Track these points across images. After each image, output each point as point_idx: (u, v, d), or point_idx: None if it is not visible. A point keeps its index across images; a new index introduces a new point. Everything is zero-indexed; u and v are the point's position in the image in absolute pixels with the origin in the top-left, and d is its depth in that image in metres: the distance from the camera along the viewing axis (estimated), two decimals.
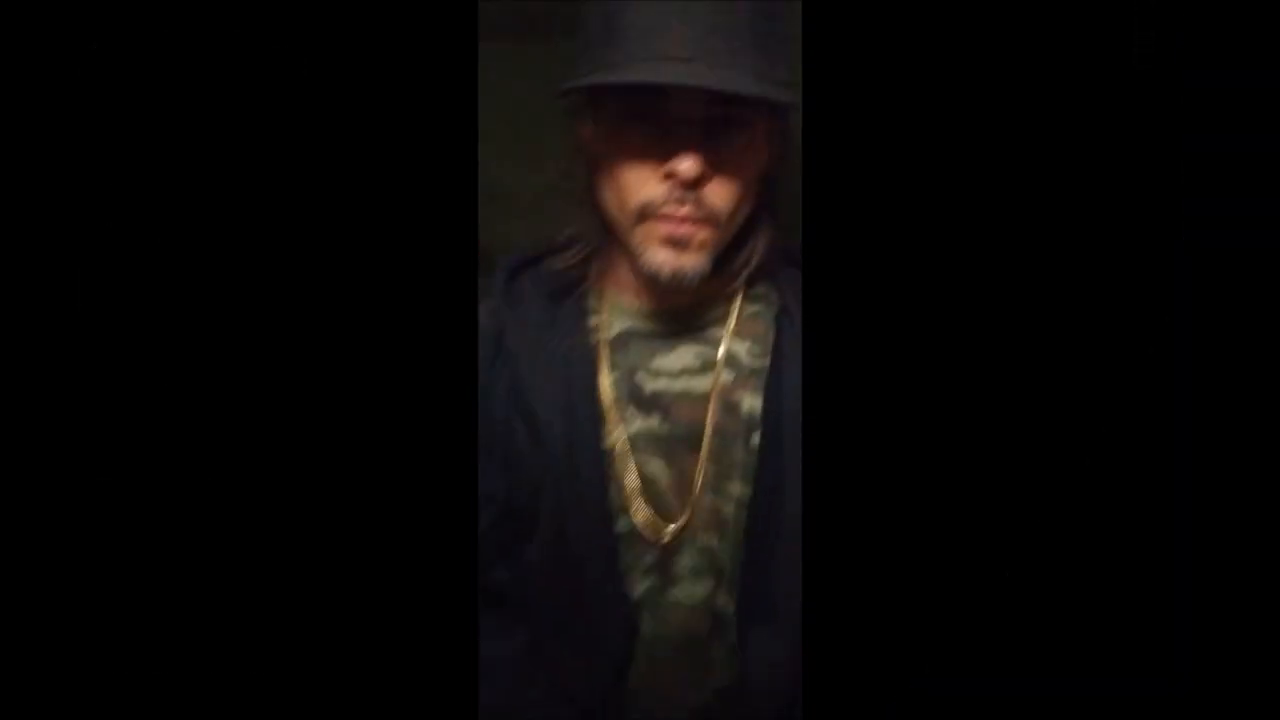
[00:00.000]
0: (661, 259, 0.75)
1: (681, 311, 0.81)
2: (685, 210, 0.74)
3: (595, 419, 0.77)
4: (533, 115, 1.09)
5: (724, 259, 0.78)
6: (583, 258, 0.82)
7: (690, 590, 0.79)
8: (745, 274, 0.80)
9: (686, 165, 0.73)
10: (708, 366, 0.79)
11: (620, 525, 0.78)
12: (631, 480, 0.77)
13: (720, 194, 0.75)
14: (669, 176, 0.74)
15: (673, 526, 0.76)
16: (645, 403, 0.79)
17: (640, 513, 0.77)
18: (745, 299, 0.81)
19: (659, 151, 0.74)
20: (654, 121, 0.74)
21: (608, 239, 0.81)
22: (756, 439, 0.77)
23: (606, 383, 0.78)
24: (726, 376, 0.79)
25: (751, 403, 0.79)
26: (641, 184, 0.75)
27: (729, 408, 0.78)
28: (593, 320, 0.81)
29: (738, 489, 0.78)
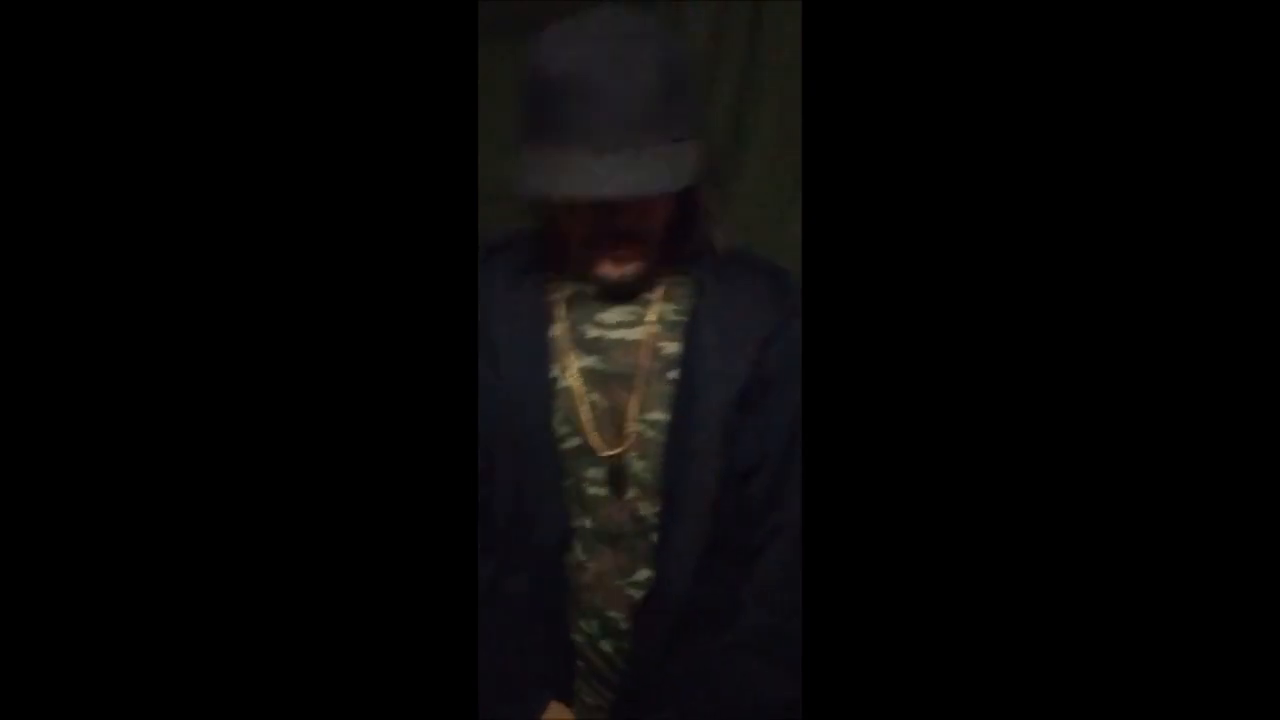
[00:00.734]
0: (606, 271, 0.95)
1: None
2: (620, 251, 0.94)
3: (545, 356, 0.99)
4: None
5: (660, 253, 0.99)
6: (542, 248, 1.03)
7: (611, 492, 1.01)
8: (675, 260, 1.00)
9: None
10: (639, 321, 1.00)
11: (570, 443, 0.99)
12: (584, 410, 0.98)
13: (646, 223, 0.94)
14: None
15: (618, 450, 0.98)
16: (588, 345, 1.00)
17: (593, 435, 0.98)
18: (673, 273, 1.01)
19: (590, 213, 0.91)
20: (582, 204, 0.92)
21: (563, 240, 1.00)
22: (675, 375, 0.98)
23: (559, 330, 1.00)
24: (654, 328, 1.00)
25: (671, 348, 0.99)
26: (579, 232, 0.94)
27: (654, 352, 0.99)
28: (550, 287, 1.02)
29: (659, 415, 0.98)
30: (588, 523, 1.00)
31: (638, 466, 0.99)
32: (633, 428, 0.98)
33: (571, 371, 0.99)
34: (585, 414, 0.98)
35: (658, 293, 1.00)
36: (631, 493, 0.99)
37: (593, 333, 1.00)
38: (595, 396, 0.99)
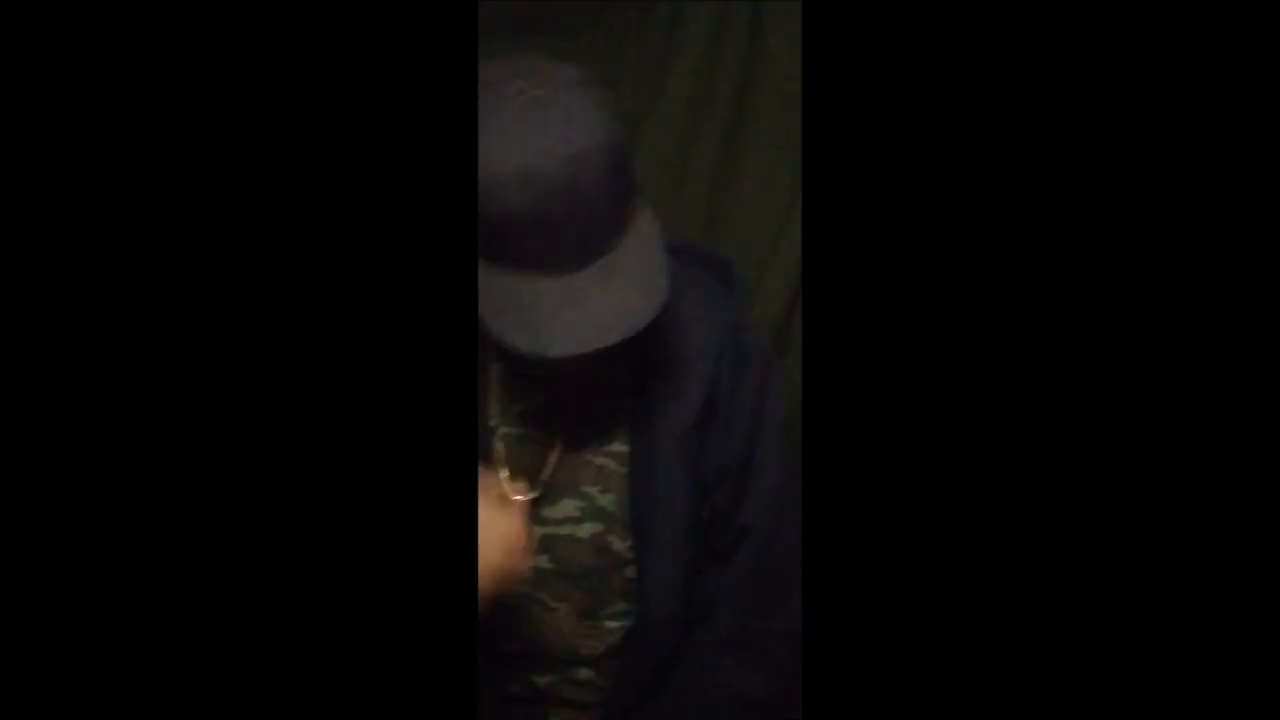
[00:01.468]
0: None
1: None
2: None
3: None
4: None
5: None
6: None
7: (573, 531, 0.99)
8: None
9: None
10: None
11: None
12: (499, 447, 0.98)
13: None
14: None
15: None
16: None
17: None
18: None
19: None
20: None
21: None
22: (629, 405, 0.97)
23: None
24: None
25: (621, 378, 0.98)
26: None
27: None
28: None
29: (619, 447, 0.98)
30: (545, 561, 0.97)
31: (604, 500, 0.98)
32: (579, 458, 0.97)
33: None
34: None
35: None
36: (588, 527, 0.98)
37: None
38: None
